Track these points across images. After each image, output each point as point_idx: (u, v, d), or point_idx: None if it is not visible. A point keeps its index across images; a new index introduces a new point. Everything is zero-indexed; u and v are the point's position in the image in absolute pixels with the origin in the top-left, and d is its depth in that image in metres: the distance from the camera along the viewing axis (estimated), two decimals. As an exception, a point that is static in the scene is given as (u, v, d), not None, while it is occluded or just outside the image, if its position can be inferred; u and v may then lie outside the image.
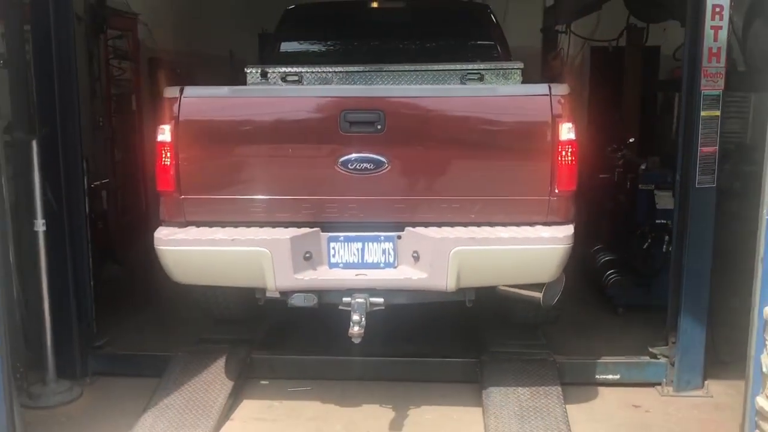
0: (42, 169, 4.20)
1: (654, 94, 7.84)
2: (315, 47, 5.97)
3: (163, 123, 3.96)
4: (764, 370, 3.13)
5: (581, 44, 9.22)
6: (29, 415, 3.97)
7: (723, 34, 4.12)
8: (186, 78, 8.52)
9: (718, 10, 4.10)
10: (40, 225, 4.18)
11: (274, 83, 4.87)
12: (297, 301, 4.05)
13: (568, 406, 4.11)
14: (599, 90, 8.86)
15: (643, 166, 5.95)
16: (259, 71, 4.84)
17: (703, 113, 4.19)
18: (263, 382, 4.54)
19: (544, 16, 9.52)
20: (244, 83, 4.84)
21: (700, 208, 4.28)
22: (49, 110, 4.37)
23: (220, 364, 4.45)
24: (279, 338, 5.01)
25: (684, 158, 4.34)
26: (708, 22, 4.10)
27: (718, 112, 4.19)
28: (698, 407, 4.22)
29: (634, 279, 5.75)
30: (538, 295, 4.10)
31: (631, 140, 6.93)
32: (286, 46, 5.83)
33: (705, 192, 4.25)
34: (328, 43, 5.98)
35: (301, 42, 5.97)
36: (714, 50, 4.13)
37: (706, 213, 4.28)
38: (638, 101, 7.76)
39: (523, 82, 4.77)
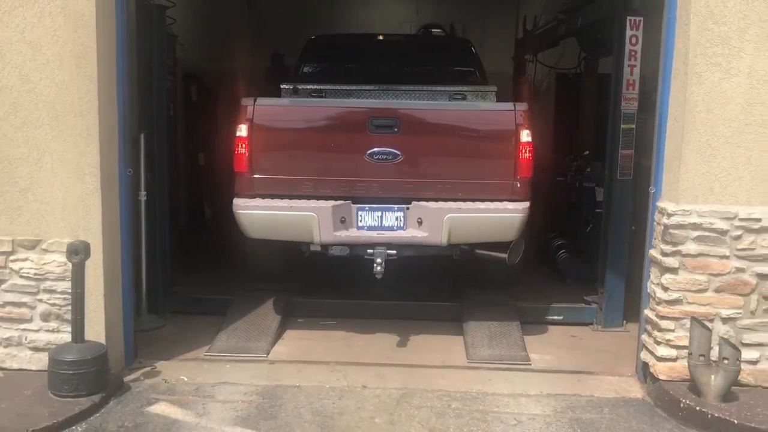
0: (146, 155, 5.72)
1: (606, 114, 9.42)
2: (331, 69, 7.27)
3: (241, 123, 5.37)
4: (648, 291, 4.74)
5: (548, 70, 10.83)
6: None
7: (636, 70, 5.74)
8: (210, 90, 10.05)
9: (633, 53, 5.73)
10: (142, 195, 5.68)
11: (305, 97, 6.02)
12: (335, 251, 5.49)
13: (525, 336, 5.62)
14: (562, 109, 10.47)
15: (588, 169, 7.61)
16: (292, 87, 6.12)
17: (623, 126, 5.77)
18: (299, 320, 6.02)
19: (515, 47, 11.18)
20: (266, 95, 5.96)
21: (620, 194, 5.87)
22: (149, 116, 5.91)
23: (270, 303, 5.94)
24: (310, 289, 6.49)
25: (610, 158, 5.97)
26: (626, 62, 5.74)
27: (633, 125, 5.77)
28: (617, 337, 5.79)
29: (579, 256, 7.36)
30: (504, 255, 5.70)
31: (586, 153, 8.46)
32: (308, 68, 7.27)
33: (624, 183, 5.84)
34: (342, 66, 7.28)
35: (321, 64, 7.32)
36: (630, 81, 5.72)
37: (624, 198, 5.83)
38: (593, 119, 9.34)
39: (497, 100, 6.12)
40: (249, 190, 5.39)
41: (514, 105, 5.50)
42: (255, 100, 5.41)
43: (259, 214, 5.32)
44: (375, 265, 5.23)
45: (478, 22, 12.76)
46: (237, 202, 5.36)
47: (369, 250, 5.33)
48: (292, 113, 5.62)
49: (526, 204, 5.42)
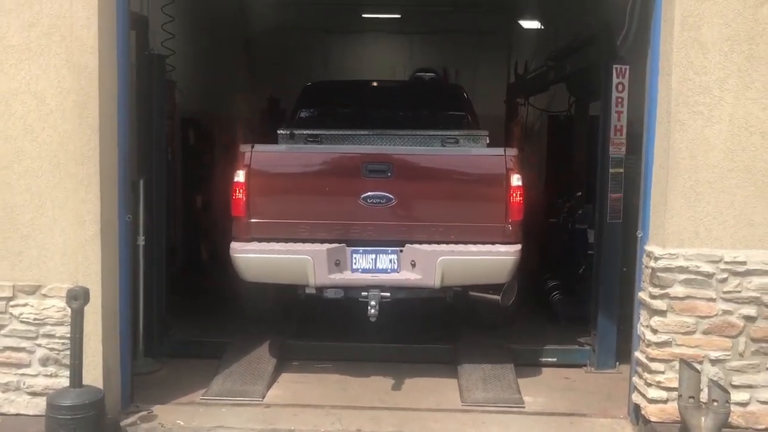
0: (144, 200, 5.83)
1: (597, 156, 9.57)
2: (327, 115, 7.46)
3: (238, 168, 5.50)
4: (638, 333, 4.83)
5: (540, 112, 11.05)
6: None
7: (624, 116, 5.90)
8: (207, 133, 10.23)
9: (620, 99, 5.89)
10: (141, 240, 5.78)
11: (301, 142, 6.03)
12: (330, 294, 5.57)
13: (519, 378, 5.66)
14: (555, 151, 10.64)
15: (580, 211, 7.74)
16: (289, 132, 6.11)
17: (611, 170, 5.92)
18: (295, 363, 6.06)
19: (507, 91, 11.44)
20: (263, 138, 6.27)
21: (610, 237, 6.00)
22: (147, 161, 6.03)
23: (265, 346, 6.00)
24: (305, 332, 6.56)
25: (600, 202, 6.10)
26: (613, 108, 5.90)
27: (621, 170, 5.90)
28: (610, 379, 5.82)
29: (572, 297, 7.45)
30: (497, 297, 5.82)
31: (578, 194, 8.58)
32: (305, 113, 7.46)
33: (613, 226, 5.95)
34: (337, 112, 7.48)
35: (316, 110, 7.52)
36: (618, 127, 5.86)
37: (614, 240, 5.95)
38: (585, 160, 9.45)
39: (489, 144, 6.09)
40: (246, 234, 5.52)
41: (505, 150, 5.66)
42: (253, 147, 5.56)
43: (255, 257, 5.45)
44: (369, 307, 5.33)
45: (470, 66, 13.08)
46: (234, 245, 5.50)
47: (363, 293, 5.43)
48: (288, 159, 5.78)
49: (518, 246, 5.54)
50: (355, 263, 5.52)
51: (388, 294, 5.45)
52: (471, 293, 5.91)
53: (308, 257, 5.36)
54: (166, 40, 6.94)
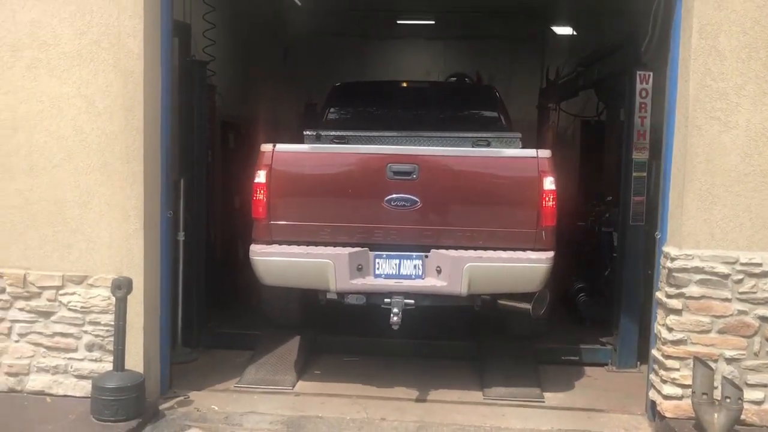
0: (185, 198, 6.15)
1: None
2: (355, 116, 7.24)
3: (260, 169, 5.30)
4: (655, 332, 4.96)
5: (573, 118, 11.13)
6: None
7: (647, 121, 6.04)
8: (246, 137, 10.57)
9: (643, 105, 6.04)
10: (181, 236, 6.10)
11: (327, 143, 5.84)
12: (351, 299, 5.42)
13: (540, 376, 5.82)
14: (587, 156, 10.73)
15: (607, 215, 7.86)
16: (315, 134, 5.96)
17: (634, 174, 6.06)
18: (324, 356, 6.29)
19: (539, 96, 11.56)
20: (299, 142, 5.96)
21: (633, 239, 6.13)
22: (188, 162, 6.36)
23: (296, 340, 6.20)
24: (334, 327, 6.76)
25: (623, 205, 6.25)
26: (637, 114, 6.04)
27: (644, 174, 6.05)
28: (631, 377, 5.95)
29: (598, 299, 7.56)
30: (528, 306, 5.52)
31: (609, 198, 8.68)
32: (333, 114, 7.19)
33: (636, 228, 6.10)
34: (366, 113, 7.27)
35: (345, 110, 7.28)
36: (641, 131, 6.02)
37: (637, 243, 6.09)
38: (615, 165, 9.49)
39: (522, 147, 5.84)
40: (266, 236, 5.37)
41: (537, 152, 5.40)
42: (274, 146, 5.40)
43: (274, 260, 5.29)
44: (392, 315, 5.12)
45: (504, 71, 13.21)
46: (254, 248, 5.35)
47: (386, 299, 5.25)
48: (310, 159, 5.54)
49: (551, 254, 5.27)
50: (378, 268, 5.31)
51: (412, 301, 5.25)
52: (500, 302, 5.65)
53: (329, 261, 5.18)
54: (207, 46, 7.28)
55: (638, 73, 6.00)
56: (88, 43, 4.88)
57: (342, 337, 6.58)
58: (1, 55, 4.94)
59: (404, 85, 8.62)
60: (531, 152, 5.45)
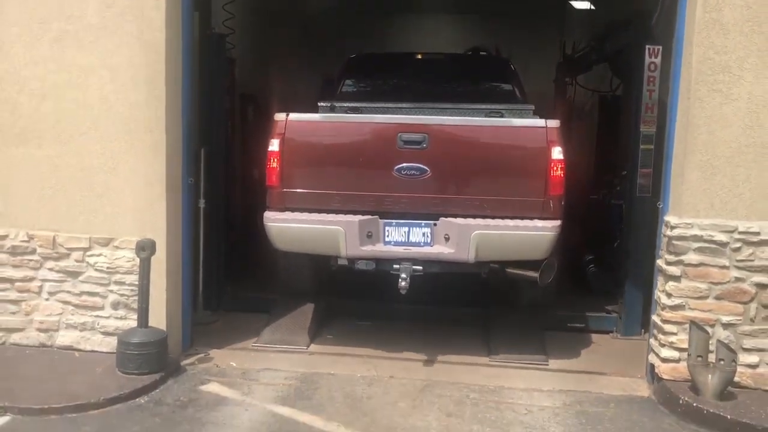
0: (205, 168, 6.39)
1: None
2: (369, 87, 7.32)
3: (273, 138, 5.44)
4: (655, 298, 5.13)
5: (591, 92, 11.17)
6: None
7: (655, 95, 6.12)
8: (265, 110, 10.78)
9: (652, 78, 6.11)
10: (202, 203, 6.35)
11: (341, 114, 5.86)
12: (361, 265, 5.57)
13: (546, 341, 6.03)
14: (604, 130, 10.80)
15: (618, 188, 7.98)
16: (329, 105, 6.00)
17: (642, 146, 6.18)
18: (337, 319, 6.55)
19: (556, 70, 11.61)
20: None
21: (639, 210, 6.26)
22: (208, 133, 6.59)
23: (310, 304, 6.44)
24: (347, 292, 6.97)
25: (631, 177, 6.39)
26: (645, 86, 6.13)
27: (651, 146, 6.17)
28: (634, 344, 6.10)
29: (607, 269, 7.71)
30: (535, 275, 5.61)
31: (624, 172, 8.76)
32: (348, 86, 7.24)
33: (643, 200, 6.23)
34: (380, 84, 7.32)
35: (360, 82, 7.33)
36: (649, 105, 6.08)
37: (643, 215, 6.21)
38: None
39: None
40: (279, 203, 5.54)
41: (546, 122, 5.45)
42: (287, 116, 5.53)
43: (287, 227, 5.47)
44: (400, 280, 5.29)
45: (524, 46, 13.24)
46: (267, 215, 5.52)
47: (395, 266, 5.40)
48: (323, 128, 5.67)
49: (557, 222, 5.37)
50: (388, 236, 5.45)
51: (421, 267, 5.40)
52: (508, 270, 5.77)
53: (340, 228, 5.32)
54: (227, 20, 7.47)
55: (647, 47, 6.07)
56: (113, 15, 5.10)
57: (354, 302, 6.83)
58: (31, 28, 5.18)
59: (419, 57, 8.59)
60: (540, 122, 5.51)
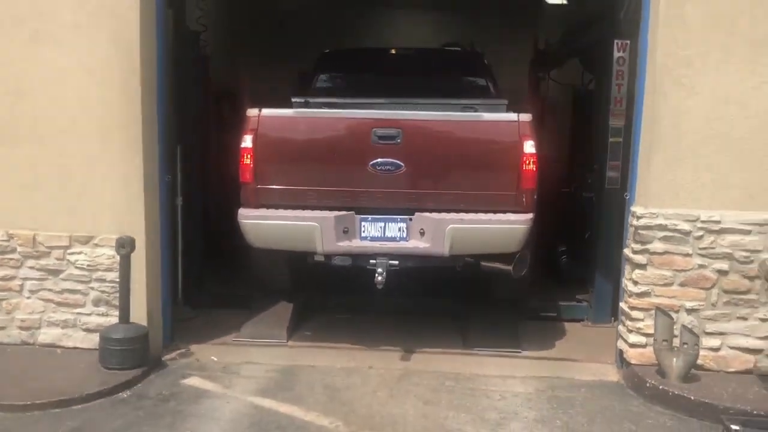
0: (181, 165, 6.45)
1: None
2: (343, 83, 7.37)
3: (246, 134, 5.42)
4: (623, 286, 5.31)
5: (565, 87, 11.35)
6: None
7: (624, 89, 6.28)
8: (240, 106, 10.81)
9: (620, 72, 6.27)
10: (179, 201, 6.40)
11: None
12: (337, 261, 5.63)
13: (519, 330, 6.19)
14: (577, 125, 11.00)
15: (589, 180, 8.17)
16: (303, 101, 6.06)
17: (611, 139, 6.35)
18: (315, 314, 6.66)
19: (529, 66, 11.79)
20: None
21: (607, 202, 6.44)
22: (183, 130, 6.64)
23: (289, 299, 6.55)
24: (325, 287, 7.05)
25: (600, 169, 6.57)
26: (614, 81, 6.30)
27: (620, 139, 6.33)
28: (605, 332, 6.25)
29: (578, 260, 7.90)
30: (509, 268, 5.80)
31: (595, 166, 8.97)
32: (322, 81, 7.29)
33: (612, 192, 6.40)
34: (354, 79, 7.36)
35: (334, 77, 7.39)
36: (618, 98, 6.25)
37: (612, 206, 6.40)
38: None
39: None
40: (254, 200, 5.54)
41: (518, 116, 5.50)
42: (260, 111, 5.51)
43: (262, 224, 5.47)
44: (377, 275, 5.33)
45: (497, 41, 13.39)
46: (242, 212, 5.53)
47: (371, 261, 5.44)
48: (296, 124, 5.63)
49: (530, 216, 5.45)
50: (364, 231, 5.49)
51: (397, 262, 5.44)
52: (482, 264, 5.90)
53: (316, 224, 5.34)
54: (201, 17, 7.51)
55: (616, 41, 6.24)
56: (87, 14, 5.14)
57: (333, 295, 6.93)
58: (5, 27, 5.20)
59: (393, 52, 8.56)
60: (512, 116, 5.56)
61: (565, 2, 12.15)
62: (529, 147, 5.45)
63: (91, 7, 5.14)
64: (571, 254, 8.10)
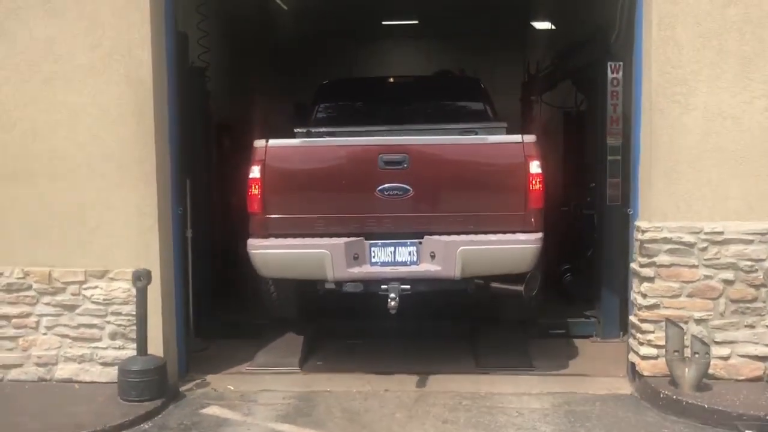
0: (190, 196, 6.55)
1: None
2: (343, 113, 7.49)
3: (254, 164, 5.45)
4: (632, 300, 5.42)
5: (556, 109, 11.58)
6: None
7: (619, 109, 6.49)
8: (239, 139, 10.96)
9: (615, 93, 6.46)
10: (189, 233, 6.50)
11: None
12: (349, 287, 5.67)
13: (530, 348, 6.29)
14: (569, 145, 11.21)
15: (588, 198, 8.32)
16: (305, 131, 6.16)
17: (609, 157, 6.51)
18: (327, 340, 6.71)
19: (522, 89, 12.03)
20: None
21: (609, 218, 6.58)
22: (191, 163, 6.75)
23: (301, 326, 6.64)
24: (336, 313, 7.13)
25: (601, 186, 6.72)
26: (609, 101, 6.49)
27: (618, 156, 6.50)
28: (614, 346, 6.37)
29: (582, 277, 8.01)
30: (520, 288, 5.85)
31: (592, 185, 9.11)
32: (322, 111, 7.42)
33: (613, 208, 6.55)
34: (353, 109, 7.52)
35: (334, 107, 7.54)
36: (614, 118, 6.44)
37: (614, 222, 6.54)
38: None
39: None
40: (262, 230, 5.53)
41: (522, 137, 5.57)
42: (267, 142, 5.55)
43: (272, 253, 5.46)
44: (389, 300, 5.33)
45: (488, 66, 13.65)
46: (251, 242, 5.52)
47: (383, 286, 5.44)
48: (303, 153, 5.69)
49: (539, 234, 5.48)
50: (374, 257, 5.49)
51: (408, 286, 5.44)
52: (492, 285, 5.89)
53: (326, 251, 5.33)
54: (202, 53, 7.68)
55: (609, 63, 6.44)
56: (101, 55, 5.29)
57: (344, 321, 7.00)
58: (20, 70, 5.34)
59: (391, 80, 8.74)
60: (516, 138, 5.63)
61: (553, 28, 12.47)
62: (535, 167, 5.51)
63: (105, 48, 5.29)
64: (575, 271, 8.21)
